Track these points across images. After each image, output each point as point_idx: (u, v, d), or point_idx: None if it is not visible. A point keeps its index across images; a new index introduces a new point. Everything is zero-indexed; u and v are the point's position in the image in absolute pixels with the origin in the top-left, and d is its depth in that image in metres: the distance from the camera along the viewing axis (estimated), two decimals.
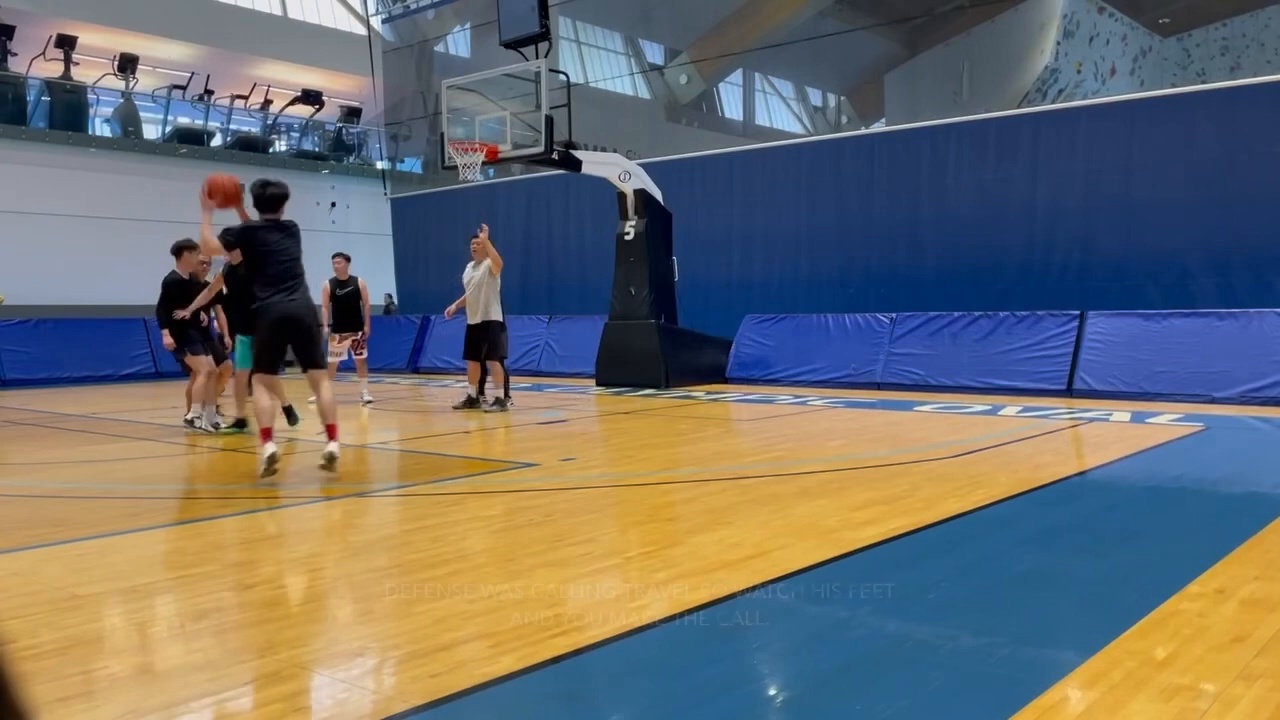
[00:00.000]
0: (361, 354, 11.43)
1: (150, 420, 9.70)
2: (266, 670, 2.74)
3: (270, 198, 6.00)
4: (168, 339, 8.51)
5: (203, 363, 8.50)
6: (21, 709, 0.91)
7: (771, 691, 2.69)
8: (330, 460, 5.89)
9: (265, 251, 5.89)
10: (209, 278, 8.87)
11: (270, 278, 5.85)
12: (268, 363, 6.00)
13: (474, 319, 10.02)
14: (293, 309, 5.87)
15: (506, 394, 10.08)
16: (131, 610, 3.43)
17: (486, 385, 10.28)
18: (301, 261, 6.03)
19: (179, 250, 8.68)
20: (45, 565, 4.05)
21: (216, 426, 8.52)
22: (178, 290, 8.54)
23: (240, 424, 8.33)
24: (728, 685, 2.63)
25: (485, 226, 10.18)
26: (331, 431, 5.99)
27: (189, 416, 8.73)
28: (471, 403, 10.17)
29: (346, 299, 11.17)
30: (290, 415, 8.50)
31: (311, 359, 6.04)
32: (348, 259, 11.33)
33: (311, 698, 2.60)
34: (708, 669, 2.72)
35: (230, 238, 6.28)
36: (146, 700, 2.54)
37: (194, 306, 8.46)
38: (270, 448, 5.72)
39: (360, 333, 11.30)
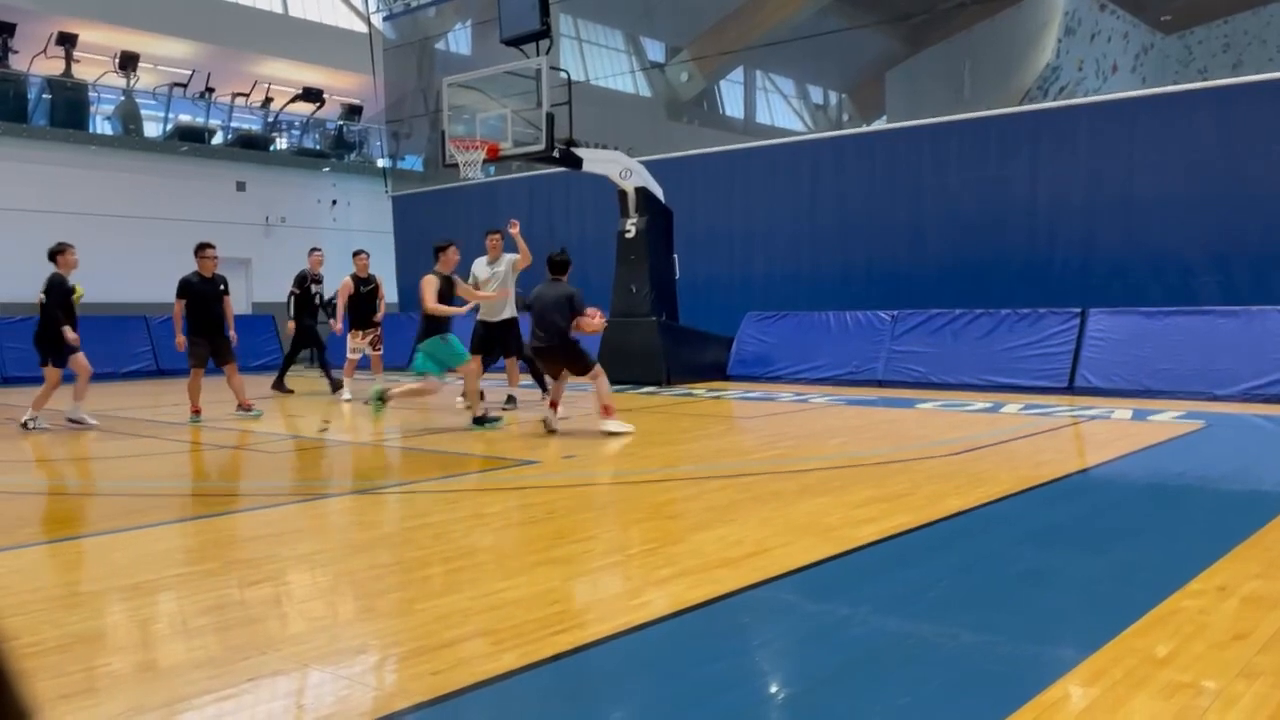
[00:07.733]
0: (378, 350, 11.60)
1: (151, 418, 9.71)
2: (268, 667, 2.75)
3: (552, 263, 8.14)
4: (71, 334, 8.87)
5: (54, 374, 9.00)
6: (23, 706, 0.91)
7: (772, 689, 2.69)
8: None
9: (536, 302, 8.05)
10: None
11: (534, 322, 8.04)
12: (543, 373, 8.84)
13: (497, 317, 9.70)
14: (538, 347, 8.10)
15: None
16: (133, 607, 3.44)
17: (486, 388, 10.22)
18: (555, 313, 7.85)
19: (56, 253, 9.14)
20: (47, 562, 4.06)
21: (28, 425, 8.80)
22: (64, 290, 9.04)
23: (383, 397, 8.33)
24: (729, 683, 2.63)
25: (516, 222, 9.85)
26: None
27: (24, 419, 8.94)
28: (512, 400, 10.06)
29: (368, 296, 11.37)
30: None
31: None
32: (368, 255, 11.59)
33: (313, 695, 2.60)
34: (709, 666, 2.73)
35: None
36: (148, 697, 2.54)
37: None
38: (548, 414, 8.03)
39: (379, 329, 11.50)
